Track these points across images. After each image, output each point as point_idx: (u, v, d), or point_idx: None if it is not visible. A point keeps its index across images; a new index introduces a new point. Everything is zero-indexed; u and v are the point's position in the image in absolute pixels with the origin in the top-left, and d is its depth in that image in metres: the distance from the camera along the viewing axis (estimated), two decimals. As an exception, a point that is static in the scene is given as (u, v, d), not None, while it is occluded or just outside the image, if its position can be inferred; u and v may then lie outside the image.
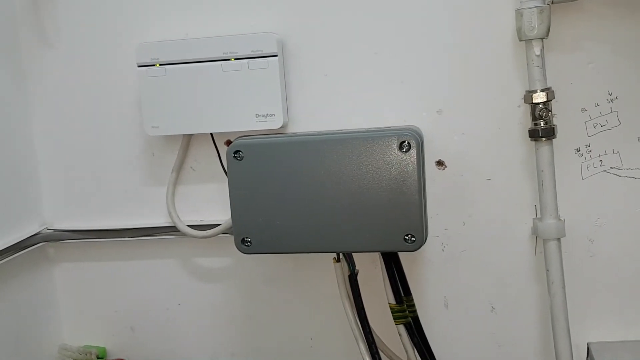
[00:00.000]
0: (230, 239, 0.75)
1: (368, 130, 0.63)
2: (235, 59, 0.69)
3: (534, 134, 0.65)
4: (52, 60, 0.78)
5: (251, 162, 0.63)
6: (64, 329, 0.85)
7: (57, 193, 0.81)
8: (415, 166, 0.59)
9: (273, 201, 0.63)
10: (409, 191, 0.60)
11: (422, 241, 0.60)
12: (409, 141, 0.59)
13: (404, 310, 0.67)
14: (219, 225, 0.75)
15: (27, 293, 0.79)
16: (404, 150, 0.59)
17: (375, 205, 0.61)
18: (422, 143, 0.61)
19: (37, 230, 0.79)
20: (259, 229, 0.64)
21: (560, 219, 0.66)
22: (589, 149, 0.68)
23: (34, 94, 0.79)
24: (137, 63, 0.71)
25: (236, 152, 0.63)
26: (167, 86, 0.71)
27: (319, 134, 0.64)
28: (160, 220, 0.78)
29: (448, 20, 0.68)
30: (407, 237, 0.60)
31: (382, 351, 0.70)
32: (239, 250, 0.65)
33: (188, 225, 0.76)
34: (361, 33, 0.70)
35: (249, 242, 0.64)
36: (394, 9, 0.69)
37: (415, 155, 0.59)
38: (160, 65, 0.71)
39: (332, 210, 0.62)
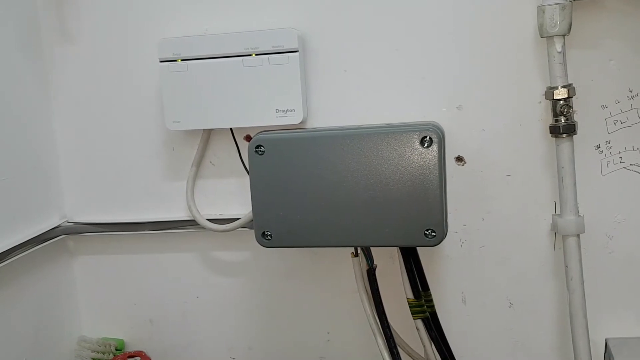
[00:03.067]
0: (248, 233, 0.76)
1: (389, 126, 0.64)
2: (256, 55, 0.70)
3: (555, 130, 0.65)
4: (73, 55, 0.79)
5: (272, 157, 0.64)
6: (83, 321, 0.86)
7: (77, 186, 0.82)
8: (437, 161, 0.60)
9: (293, 195, 0.63)
10: (430, 186, 0.60)
11: (443, 236, 0.61)
12: (431, 136, 0.59)
13: (422, 305, 0.68)
14: (238, 219, 0.75)
15: (47, 285, 0.80)
16: (426, 145, 0.60)
17: (396, 200, 0.61)
18: (444, 138, 0.61)
19: (58, 223, 0.80)
20: (279, 222, 0.64)
21: (579, 216, 0.67)
22: (609, 145, 0.68)
23: (55, 88, 0.80)
24: (159, 58, 0.72)
25: (258, 146, 0.64)
26: (189, 81, 0.72)
27: (340, 129, 0.65)
28: (179, 214, 0.79)
29: (469, 16, 0.68)
30: (427, 232, 0.61)
31: (399, 346, 0.70)
32: (260, 244, 0.65)
33: (207, 219, 0.76)
34: (382, 29, 0.70)
35: (270, 235, 0.65)
36: (415, 5, 0.69)
37: (436, 151, 0.59)
38: (182, 60, 0.71)
39: (353, 204, 0.62)
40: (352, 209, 0.62)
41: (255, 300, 0.81)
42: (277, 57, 0.69)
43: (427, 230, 0.60)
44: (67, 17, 0.78)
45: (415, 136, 0.60)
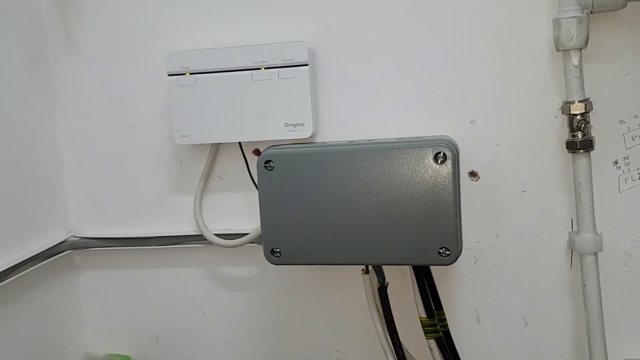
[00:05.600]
0: (256, 248, 0.75)
1: (401, 141, 0.62)
2: (265, 68, 0.69)
3: (572, 146, 0.64)
4: (79, 67, 0.78)
5: (282, 172, 0.62)
6: (88, 337, 0.84)
7: (84, 200, 0.81)
8: (451, 178, 0.58)
9: (303, 212, 0.62)
10: (444, 203, 0.58)
11: (457, 255, 0.59)
12: (445, 152, 0.58)
13: (435, 325, 0.66)
14: (246, 234, 0.74)
15: (53, 301, 0.79)
16: (440, 161, 0.58)
17: (409, 217, 0.59)
18: (458, 154, 0.60)
19: (64, 238, 0.79)
20: (288, 239, 0.63)
21: (597, 233, 0.65)
22: (627, 161, 0.66)
23: (61, 101, 0.79)
24: (167, 72, 0.71)
25: (267, 161, 0.63)
26: (197, 95, 0.71)
27: (351, 143, 0.63)
28: (187, 228, 0.78)
29: (482, 29, 0.67)
30: (441, 251, 0.59)
31: (411, 366, 0.69)
32: (268, 261, 0.64)
33: (215, 234, 0.75)
34: (392, 42, 0.69)
35: (279, 252, 0.64)
36: (427, 17, 0.68)
37: (451, 167, 0.58)
38: (190, 74, 0.70)
39: (364, 221, 0.61)
40: (364, 226, 0.61)
41: (263, 316, 0.79)
42: (286, 70, 0.68)
43: (441, 248, 0.59)
44: (73, 29, 0.77)
45: (429, 152, 0.58)
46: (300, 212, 0.62)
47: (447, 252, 0.59)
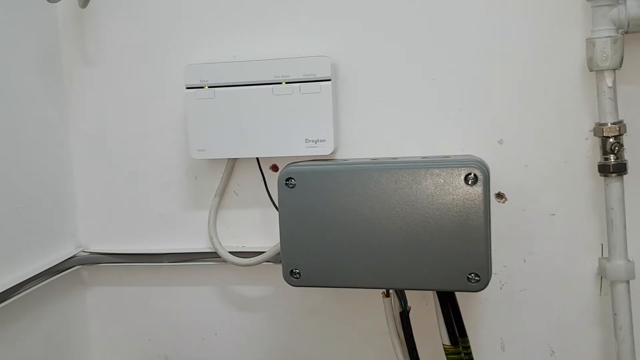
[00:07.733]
0: (272, 267, 0.73)
1: (428, 160, 0.60)
2: (286, 83, 0.67)
3: (605, 169, 0.61)
4: (94, 80, 0.76)
5: (304, 191, 0.60)
6: (95, 355, 0.82)
7: (94, 215, 0.79)
8: (482, 200, 0.56)
9: (325, 232, 0.60)
10: (474, 226, 0.56)
11: (487, 281, 0.57)
12: (476, 173, 0.56)
13: (459, 352, 0.63)
14: (261, 252, 0.72)
15: (60, 317, 0.76)
16: (470, 182, 0.56)
17: (436, 240, 0.57)
18: (489, 175, 0.58)
19: (73, 253, 0.77)
20: (309, 260, 0.61)
21: (629, 260, 0.62)
22: (661, 185, 0.64)
23: (75, 113, 0.77)
24: (185, 85, 0.69)
25: (288, 179, 0.61)
26: (215, 109, 0.69)
27: (375, 162, 0.61)
28: (200, 245, 0.75)
29: (512, 46, 0.65)
30: (470, 276, 0.57)
31: (433, 394, 0.66)
32: (287, 282, 0.61)
33: (229, 252, 0.73)
34: (418, 59, 0.68)
35: (298, 274, 0.61)
36: (453, 34, 0.67)
37: (482, 189, 0.56)
38: (209, 87, 0.69)
39: (389, 243, 0.58)
40: (388, 249, 0.58)
41: (276, 338, 0.77)
42: (308, 85, 0.67)
43: (470, 274, 0.57)
44: (88, 41, 0.76)
45: (460, 172, 0.56)
46: (321, 232, 0.60)
47: (477, 278, 0.56)
